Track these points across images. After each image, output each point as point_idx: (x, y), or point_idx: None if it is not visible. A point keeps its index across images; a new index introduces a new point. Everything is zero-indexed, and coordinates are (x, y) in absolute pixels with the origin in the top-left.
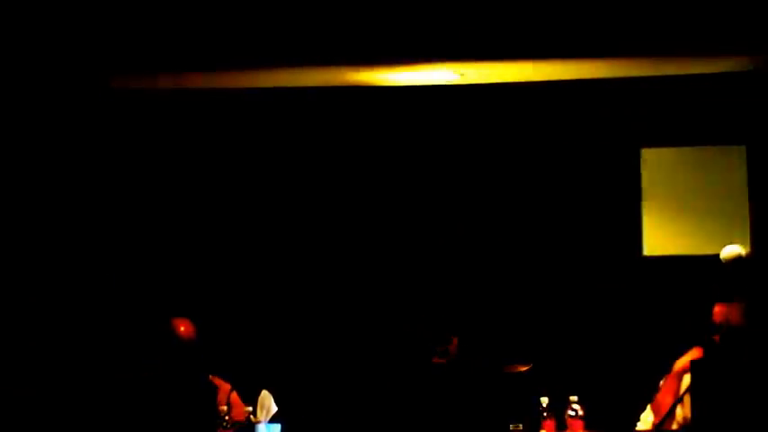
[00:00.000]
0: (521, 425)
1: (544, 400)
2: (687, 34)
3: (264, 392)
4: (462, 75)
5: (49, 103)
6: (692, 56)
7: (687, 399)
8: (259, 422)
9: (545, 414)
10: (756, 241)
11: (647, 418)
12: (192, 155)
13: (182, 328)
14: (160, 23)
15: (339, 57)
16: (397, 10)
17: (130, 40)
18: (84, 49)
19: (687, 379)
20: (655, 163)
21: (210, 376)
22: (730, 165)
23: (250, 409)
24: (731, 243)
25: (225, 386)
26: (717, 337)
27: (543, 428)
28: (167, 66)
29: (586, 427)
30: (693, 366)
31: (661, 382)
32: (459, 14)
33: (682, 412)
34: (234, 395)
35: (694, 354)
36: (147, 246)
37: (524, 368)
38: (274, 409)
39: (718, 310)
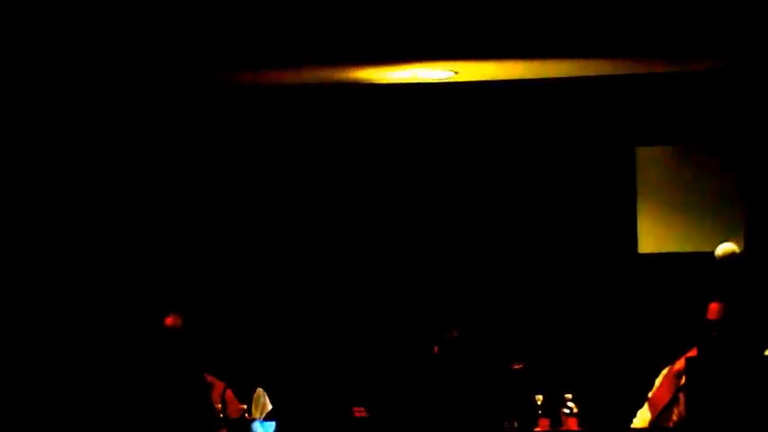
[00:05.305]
0: (516, 421)
1: (539, 398)
2: (678, 34)
3: (259, 390)
4: (457, 73)
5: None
6: (680, 55)
7: (683, 396)
8: (254, 420)
9: (540, 411)
10: (750, 238)
11: (643, 415)
12: (194, 152)
13: (168, 321)
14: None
15: (335, 55)
16: (393, 8)
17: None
18: None
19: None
20: (649, 161)
21: (205, 374)
22: (724, 163)
23: (245, 406)
24: (725, 240)
25: (219, 384)
26: (714, 333)
27: (538, 426)
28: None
29: (581, 424)
30: (688, 364)
31: (656, 380)
32: (455, 13)
33: (677, 410)
34: (228, 393)
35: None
36: (145, 244)
37: (519, 365)
38: (269, 406)
39: (713, 307)
